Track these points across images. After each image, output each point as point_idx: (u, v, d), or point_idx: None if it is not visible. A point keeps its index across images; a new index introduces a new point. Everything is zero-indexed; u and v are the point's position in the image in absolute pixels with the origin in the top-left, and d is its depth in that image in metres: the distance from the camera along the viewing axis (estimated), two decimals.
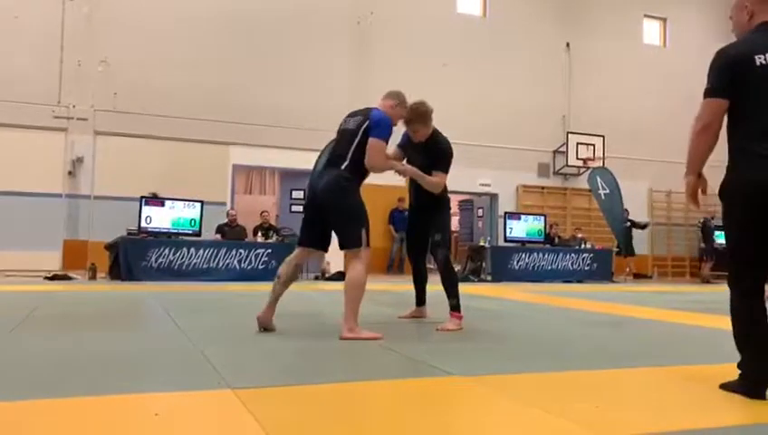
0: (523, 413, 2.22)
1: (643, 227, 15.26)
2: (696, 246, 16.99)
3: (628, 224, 14.89)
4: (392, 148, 4.65)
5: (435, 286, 4.76)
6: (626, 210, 14.96)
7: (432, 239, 4.61)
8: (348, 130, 4.21)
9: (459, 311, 4.49)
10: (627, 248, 14.75)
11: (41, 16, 12.32)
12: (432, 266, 4.92)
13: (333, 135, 4.79)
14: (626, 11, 17.12)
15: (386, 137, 4.13)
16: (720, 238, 15.85)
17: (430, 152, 4.63)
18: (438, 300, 4.57)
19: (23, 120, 11.90)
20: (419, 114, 4.55)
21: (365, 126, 4.12)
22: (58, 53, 12.28)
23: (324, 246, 4.33)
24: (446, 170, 4.61)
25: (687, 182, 2.78)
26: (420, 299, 5.03)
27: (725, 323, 5.25)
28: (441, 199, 4.67)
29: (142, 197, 10.31)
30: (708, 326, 5.09)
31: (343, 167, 4.09)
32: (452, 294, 4.50)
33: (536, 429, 2.03)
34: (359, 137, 4.10)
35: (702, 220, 15.82)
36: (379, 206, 13.35)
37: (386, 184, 12.67)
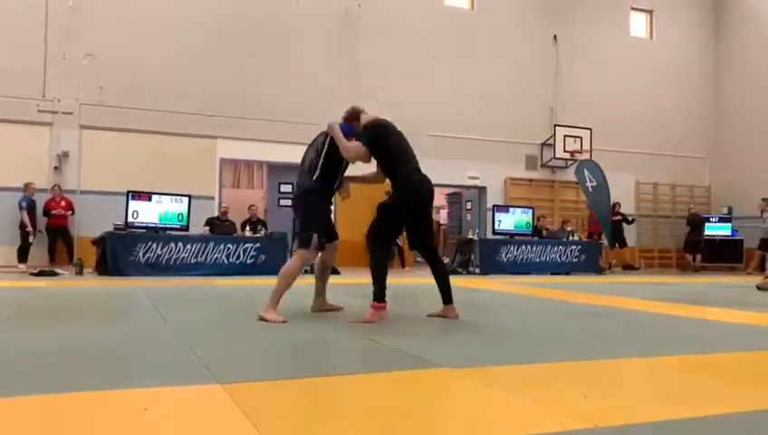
0: (512, 404, 2.23)
1: (630, 221, 15.45)
2: (681, 238, 17.18)
3: (619, 218, 15.06)
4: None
5: (427, 279, 4.74)
6: (618, 204, 15.12)
7: None
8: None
9: (378, 300, 4.29)
10: (619, 241, 14.96)
11: (25, 9, 12.18)
12: (420, 260, 4.91)
13: (321, 128, 4.82)
14: (613, 3, 17.20)
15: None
16: (710, 230, 16.25)
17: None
18: (417, 292, 4.52)
19: (6, 115, 11.78)
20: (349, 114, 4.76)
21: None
22: (42, 47, 12.16)
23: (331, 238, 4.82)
24: (363, 141, 4.45)
25: None
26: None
27: (711, 314, 5.32)
28: (393, 185, 4.52)
29: (129, 191, 10.24)
30: (695, 317, 5.14)
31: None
32: (373, 280, 4.35)
33: (525, 419, 2.04)
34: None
35: (691, 213, 16.08)
36: (366, 200, 13.32)
37: None
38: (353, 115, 4.70)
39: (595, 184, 14.40)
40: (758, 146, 16.62)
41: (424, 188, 4.52)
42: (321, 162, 4.53)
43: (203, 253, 10.15)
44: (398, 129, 4.68)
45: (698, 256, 16.01)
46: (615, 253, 15.07)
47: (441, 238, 18.61)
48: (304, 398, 2.29)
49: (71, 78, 12.24)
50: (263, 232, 11.33)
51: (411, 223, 4.58)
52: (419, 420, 2.06)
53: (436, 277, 4.65)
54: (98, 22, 12.54)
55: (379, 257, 4.38)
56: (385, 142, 4.50)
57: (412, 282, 8.41)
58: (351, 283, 7.66)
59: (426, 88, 14.65)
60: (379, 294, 4.30)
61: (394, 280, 8.55)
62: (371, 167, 4.79)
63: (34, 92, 12.06)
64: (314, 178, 4.53)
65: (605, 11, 17.06)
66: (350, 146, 4.45)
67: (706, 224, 16.38)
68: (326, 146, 4.54)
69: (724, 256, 16.13)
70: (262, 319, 4.29)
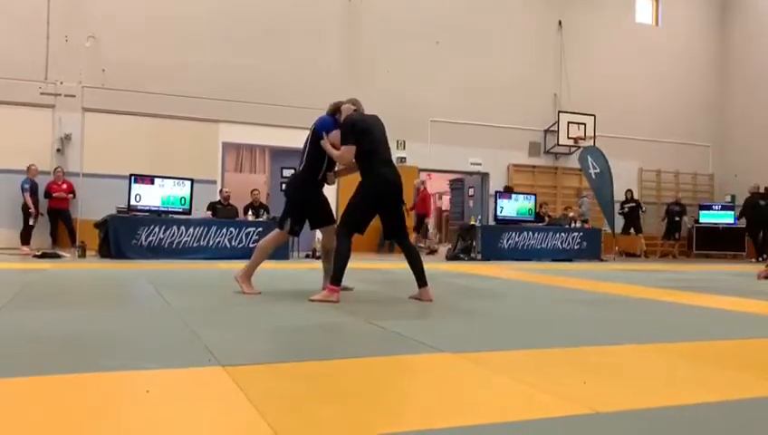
0: (512, 389, 2.24)
1: (644, 210, 15.62)
2: (683, 225, 17.19)
3: (634, 205, 15.20)
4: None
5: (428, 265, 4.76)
6: (629, 190, 15.27)
7: None
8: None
9: (334, 284, 4.53)
10: (635, 228, 15.10)
11: None
12: (422, 245, 4.98)
13: (323, 113, 4.99)
14: None
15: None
16: (713, 218, 16.52)
17: None
18: (411, 278, 4.76)
19: (9, 97, 11.76)
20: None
21: None
22: (45, 29, 12.10)
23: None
24: (344, 142, 4.69)
25: None
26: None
27: (712, 301, 5.33)
28: (361, 177, 4.76)
29: (131, 175, 10.25)
30: (694, 304, 5.15)
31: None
32: (334, 265, 4.62)
33: (524, 404, 2.05)
34: None
35: (676, 202, 16.28)
36: None
37: None
38: (335, 109, 4.98)
39: (598, 171, 14.39)
40: (762, 135, 16.55)
41: (389, 183, 4.69)
42: (305, 154, 4.95)
43: (205, 237, 10.17)
44: (377, 118, 4.87)
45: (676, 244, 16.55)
46: (627, 239, 15.13)
47: (443, 224, 18.63)
48: (306, 381, 2.30)
49: (73, 60, 12.20)
50: (265, 216, 11.34)
51: (382, 215, 4.77)
52: (419, 405, 2.07)
53: (410, 263, 4.84)
54: (100, 4, 12.47)
55: (344, 248, 4.60)
56: (359, 137, 4.68)
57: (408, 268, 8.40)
58: (361, 268, 7.66)
59: (429, 74, 14.57)
60: (336, 279, 4.52)
61: (390, 265, 8.58)
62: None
63: (37, 75, 12.03)
64: (301, 168, 4.99)
65: None
66: (341, 154, 4.71)
67: (709, 211, 16.59)
68: (309, 138, 4.93)
69: (727, 243, 16.19)
70: (241, 289, 4.90)
